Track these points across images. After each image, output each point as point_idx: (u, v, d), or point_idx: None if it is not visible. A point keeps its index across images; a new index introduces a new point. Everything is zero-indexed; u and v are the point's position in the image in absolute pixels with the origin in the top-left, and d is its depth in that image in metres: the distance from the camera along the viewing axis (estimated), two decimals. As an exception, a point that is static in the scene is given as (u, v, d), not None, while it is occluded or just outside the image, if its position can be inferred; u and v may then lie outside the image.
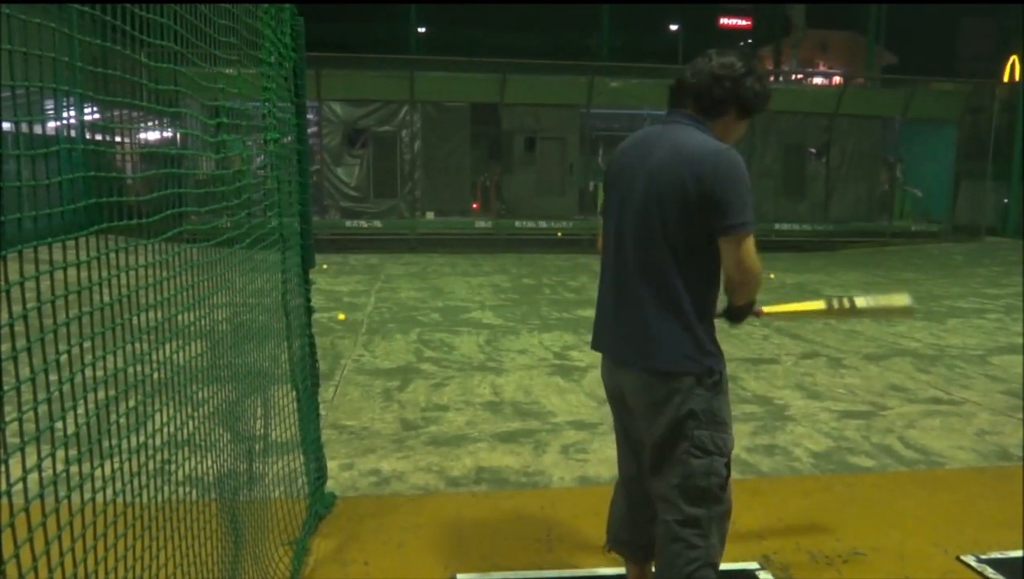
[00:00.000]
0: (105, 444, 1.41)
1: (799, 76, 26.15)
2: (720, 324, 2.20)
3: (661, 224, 2.02)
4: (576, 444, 4.17)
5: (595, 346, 2.31)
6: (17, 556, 1.12)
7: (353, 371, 5.65)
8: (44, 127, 1.39)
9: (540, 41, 21.30)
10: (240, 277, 2.37)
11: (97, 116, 1.66)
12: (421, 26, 22.63)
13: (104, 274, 1.40)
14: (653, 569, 2.35)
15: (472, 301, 8.90)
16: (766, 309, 2.40)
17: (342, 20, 19.76)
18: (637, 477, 2.33)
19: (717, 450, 2.10)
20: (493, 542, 3.04)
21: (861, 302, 2.51)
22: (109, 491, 1.43)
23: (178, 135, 2.12)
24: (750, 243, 2.00)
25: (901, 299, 2.59)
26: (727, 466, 2.13)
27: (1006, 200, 17.54)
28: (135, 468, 1.52)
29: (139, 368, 1.56)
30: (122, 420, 1.48)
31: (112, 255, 1.44)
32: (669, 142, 2.07)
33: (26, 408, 1.19)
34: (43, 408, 1.22)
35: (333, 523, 3.18)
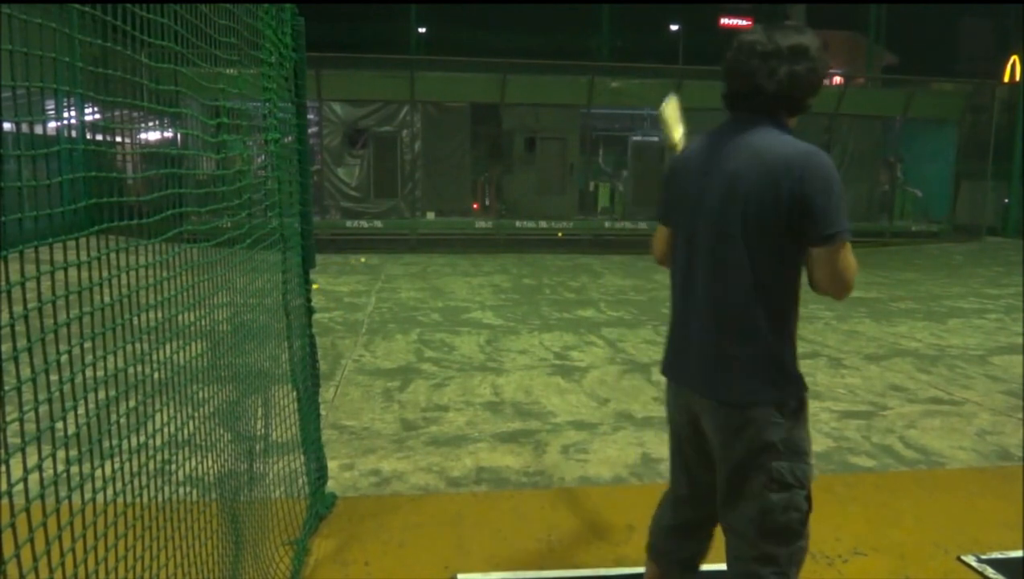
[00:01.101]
0: (105, 444, 1.41)
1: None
2: None
3: (741, 234, 1.83)
4: (576, 444, 4.17)
5: (665, 370, 2.10)
6: (18, 556, 1.12)
7: (354, 371, 5.65)
8: (45, 127, 1.40)
9: (540, 41, 21.27)
10: (241, 277, 2.37)
11: (98, 116, 1.66)
12: (421, 26, 22.62)
13: (104, 274, 1.40)
14: None
15: (472, 301, 8.90)
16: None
17: (342, 20, 19.76)
18: (689, 500, 2.18)
19: (797, 483, 1.90)
20: (493, 542, 3.04)
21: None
22: (109, 491, 1.43)
23: (178, 135, 2.12)
24: (847, 252, 1.81)
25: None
26: (808, 499, 1.93)
27: (1006, 200, 17.55)
28: (135, 468, 1.52)
29: (139, 368, 1.56)
30: (122, 420, 1.48)
31: (112, 255, 1.44)
32: (748, 144, 1.86)
33: (27, 408, 1.19)
34: (44, 408, 1.22)
35: (333, 523, 3.18)
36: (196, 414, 1.90)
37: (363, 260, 11.12)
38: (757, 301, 1.85)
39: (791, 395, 1.89)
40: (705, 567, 2.80)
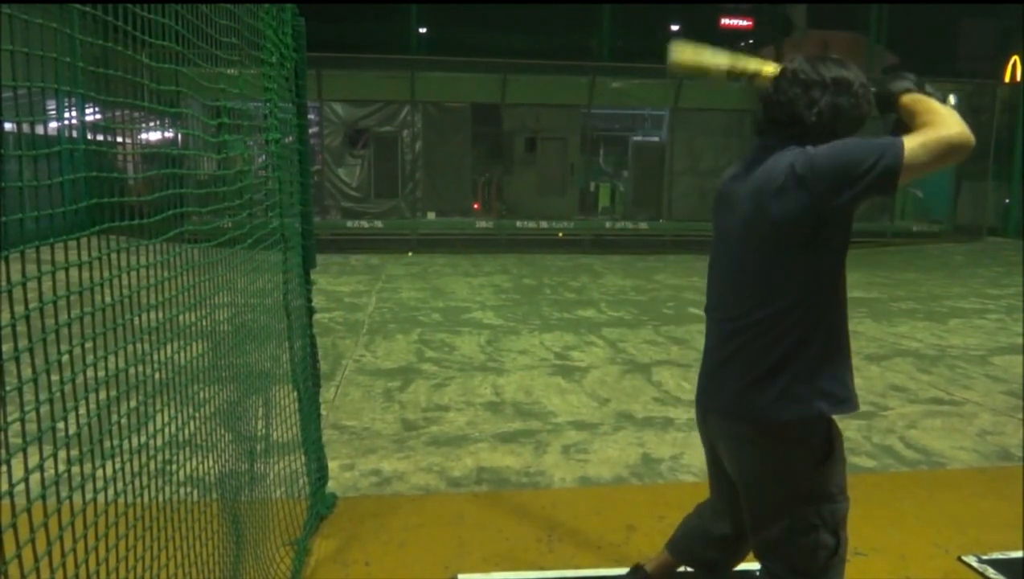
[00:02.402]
0: (106, 445, 1.41)
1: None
2: None
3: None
4: (577, 444, 4.16)
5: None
6: (19, 556, 1.12)
7: (354, 371, 5.65)
8: (46, 127, 1.40)
9: (541, 41, 21.25)
10: (241, 277, 2.37)
11: (99, 117, 1.66)
12: (422, 26, 22.59)
13: (105, 274, 1.40)
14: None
15: (473, 301, 8.90)
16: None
17: (343, 20, 19.75)
18: (724, 514, 2.20)
19: (823, 523, 1.89)
20: (494, 542, 3.04)
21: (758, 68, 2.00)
22: (110, 492, 1.43)
23: (179, 135, 2.12)
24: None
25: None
26: (835, 533, 1.92)
27: (1007, 200, 17.53)
28: (136, 469, 1.52)
29: (140, 368, 1.56)
30: (123, 421, 1.48)
31: (113, 255, 1.44)
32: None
33: (28, 408, 1.19)
34: (44, 408, 1.22)
35: (334, 523, 3.18)
36: (197, 414, 1.90)
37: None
38: None
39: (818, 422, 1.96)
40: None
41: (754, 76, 1.97)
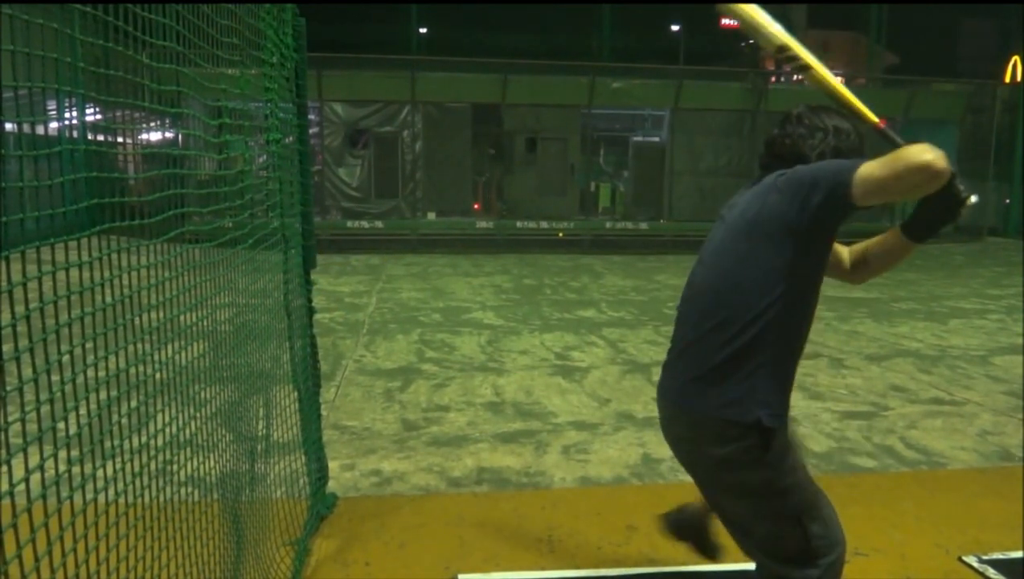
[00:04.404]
0: (107, 445, 1.41)
1: (800, 77, 26.03)
2: None
3: None
4: (577, 445, 4.16)
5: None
6: (20, 557, 1.12)
7: (354, 372, 5.65)
8: (47, 128, 1.40)
9: (541, 41, 21.27)
10: (242, 278, 2.37)
11: (99, 117, 1.66)
12: (422, 27, 22.61)
13: (106, 275, 1.40)
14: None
15: (473, 301, 8.90)
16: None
17: (343, 21, 19.77)
18: None
19: (782, 514, 1.95)
20: (494, 543, 3.04)
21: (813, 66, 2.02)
22: (111, 492, 1.43)
23: (180, 136, 2.12)
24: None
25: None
26: (799, 522, 1.93)
27: (1007, 200, 17.53)
28: (137, 469, 1.52)
29: (141, 369, 1.56)
30: (124, 421, 1.48)
31: (114, 256, 1.44)
32: None
33: (28, 409, 1.19)
34: (45, 409, 1.22)
35: (334, 523, 3.18)
36: (198, 415, 1.90)
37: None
38: None
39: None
40: (714, 567, 2.81)
41: (803, 68, 2.03)
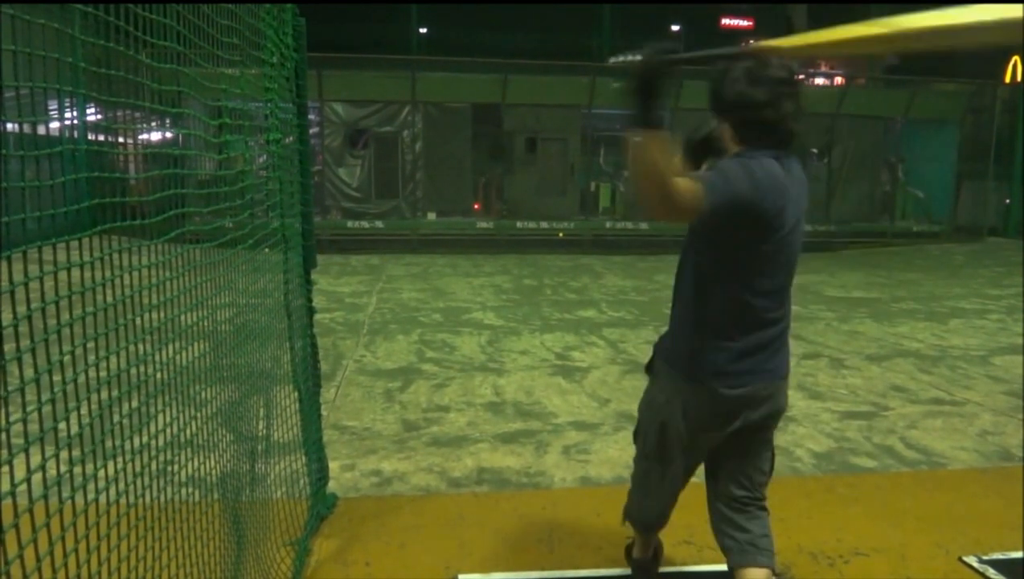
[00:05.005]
0: (108, 445, 1.41)
1: (801, 76, 26.03)
2: None
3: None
4: (577, 445, 4.16)
5: (749, 381, 2.15)
6: (21, 557, 1.12)
7: (355, 372, 5.65)
8: (48, 128, 1.40)
9: (541, 41, 21.26)
10: (242, 278, 2.37)
11: (100, 117, 1.66)
12: (422, 27, 22.62)
13: (107, 275, 1.40)
14: None
15: (473, 302, 8.90)
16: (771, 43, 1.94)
17: (343, 21, 19.76)
18: (684, 482, 2.44)
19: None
20: (494, 543, 3.04)
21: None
22: (112, 492, 1.43)
23: (180, 136, 2.12)
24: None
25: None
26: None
27: (1008, 200, 17.52)
28: (138, 469, 1.52)
29: (142, 369, 1.56)
30: (125, 421, 1.48)
31: (115, 256, 1.44)
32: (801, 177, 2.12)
33: (29, 409, 1.19)
34: (46, 409, 1.22)
35: (335, 524, 3.18)
36: (198, 415, 1.90)
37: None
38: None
39: None
40: (705, 568, 2.81)
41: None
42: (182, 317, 1.79)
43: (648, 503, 2.44)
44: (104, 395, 1.40)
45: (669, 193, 1.73)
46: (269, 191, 2.67)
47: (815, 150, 16.55)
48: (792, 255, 2.11)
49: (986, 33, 1.61)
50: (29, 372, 1.16)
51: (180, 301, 1.78)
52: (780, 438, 4.28)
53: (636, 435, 2.44)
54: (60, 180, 1.26)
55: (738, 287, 2.07)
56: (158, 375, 1.65)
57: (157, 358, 1.63)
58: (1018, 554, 2.97)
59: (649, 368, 2.36)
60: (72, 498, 1.30)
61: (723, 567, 2.30)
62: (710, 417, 2.17)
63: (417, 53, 20.07)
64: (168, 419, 1.71)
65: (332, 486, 3.44)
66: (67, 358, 1.28)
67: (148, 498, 1.57)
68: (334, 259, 12.16)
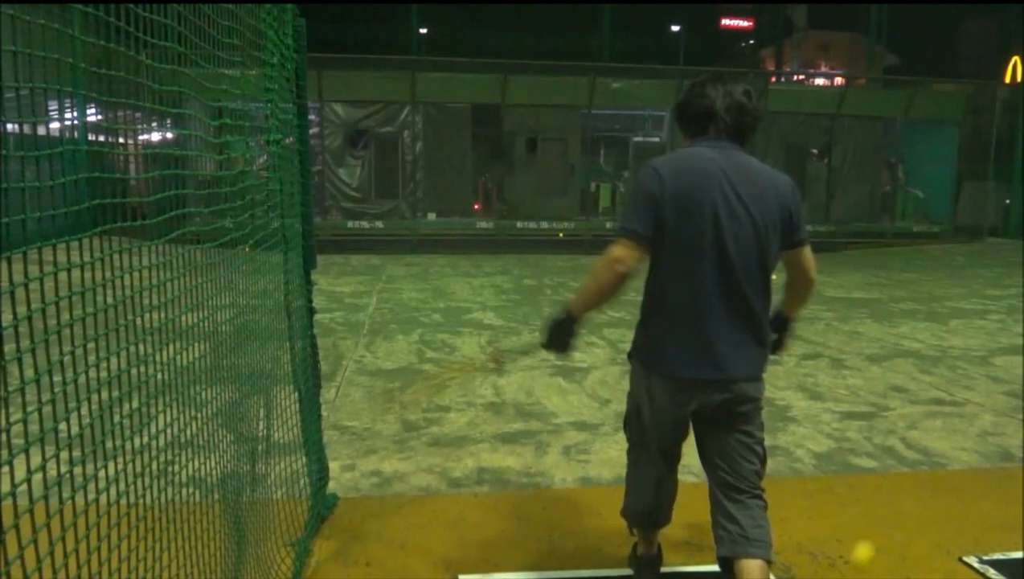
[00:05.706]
0: (108, 445, 1.41)
1: (801, 77, 26.10)
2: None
3: (767, 248, 2.21)
4: (578, 445, 4.16)
5: (689, 372, 2.27)
6: (22, 557, 1.12)
7: (355, 372, 5.65)
8: (48, 128, 1.40)
9: (541, 42, 21.28)
10: (243, 278, 2.37)
11: (100, 117, 1.66)
12: (422, 27, 22.61)
13: (107, 275, 1.40)
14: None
15: (474, 302, 8.90)
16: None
17: (344, 21, 19.76)
18: (670, 473, 2.54)
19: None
20: (495, 543, 3.04)
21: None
22: (112, 493, 1.43)
23: (181, 136, 2.12)
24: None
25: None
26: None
27: (1008, 201, 17.53)
28: (138, 470, 1.52)
29: (142, 369, 1.56)
30: (125, 422, 1.48)
31: (115, 256, 1.44)
32: (756, 170, 2.22)
33: (30, 409, 1.19)
34: (47, 410, 1.22)
35: (335, 524, 3.18)
36: (199, 415, 1.90)
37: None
38: (764, 303, 2.25)
39: (766, 365, 2.33)
40: (705, 568, 2.81)
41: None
42: (182, 318, 1.79)
43: (638, 493, 2.54)
44: (104, 396, 1.40)
45: (618, 281, 2.41)
46: (269, 191, 2.67)
47: (815, 150, 16.57)
48: (723, 242, 2.17)
49: None
50: (29, 373, 1.16)
51: (180, 302, 1.77)
52: (780, 438, 4.29)
53: (625, 425, 2.58)
54: (60, 181, 1.26)
55: (666, 273, 2.30)
56: (158, 376, 1.65)
57: (157, 359, 1.63)
58: (1018, 554, 2.97)
59: (629, 357, 2.50)
60: (72, 499, 1.30)
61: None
62: (663, 401, 2.32)
63: (417, 53, 20.06)
64: (168, 420, 1.71)
65: (332, 486, 3.44)
66: (67, 359, 1.28)
67: (148, 499, 1.57)
68: (334, 259, 12.17)
